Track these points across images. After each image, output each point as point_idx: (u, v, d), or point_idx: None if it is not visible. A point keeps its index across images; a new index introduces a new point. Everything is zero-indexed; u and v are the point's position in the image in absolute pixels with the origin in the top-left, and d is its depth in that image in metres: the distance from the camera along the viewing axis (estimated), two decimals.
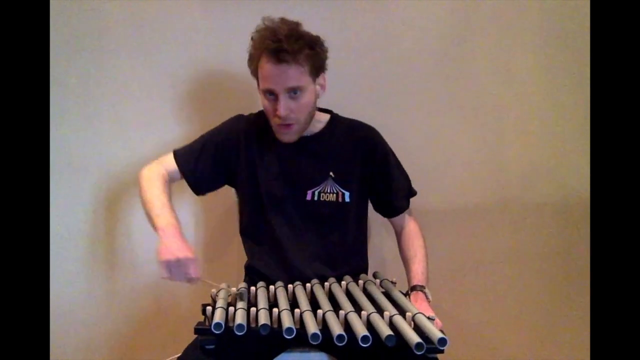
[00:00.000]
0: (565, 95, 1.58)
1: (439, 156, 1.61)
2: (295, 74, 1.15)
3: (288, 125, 1.21)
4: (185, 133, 1.56)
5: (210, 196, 1.34)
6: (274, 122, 1.22)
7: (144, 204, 1.21)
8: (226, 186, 1.36)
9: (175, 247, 1.08)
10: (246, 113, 1.37)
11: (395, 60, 1.57)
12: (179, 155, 1.30)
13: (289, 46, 1.12)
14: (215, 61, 1.54)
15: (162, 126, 1.56)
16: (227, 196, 1.42)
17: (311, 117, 1.25)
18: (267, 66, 1.16)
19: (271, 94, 1.19)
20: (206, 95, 1.56)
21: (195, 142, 1.32)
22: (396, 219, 1.37)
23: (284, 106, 1.17)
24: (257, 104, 1.52)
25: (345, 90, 1.46)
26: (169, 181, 1.27)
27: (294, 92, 1.17)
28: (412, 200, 1.38)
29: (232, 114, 1.40)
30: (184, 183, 1.30)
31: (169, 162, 1.29)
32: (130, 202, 1.58)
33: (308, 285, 1.21)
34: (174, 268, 1.07)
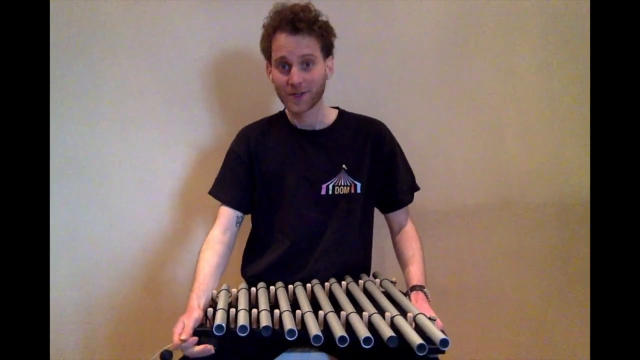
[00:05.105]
0: (565, 95, 1.58)
1: (439, 156, 1.61)
2: (309, 43, 1.20)
3: (300, 95, 1.22)
4: (185, 133, 1.56)
5: (211, 198, 1.33)
6: (286, 92, 1.24)
7: None
8: None
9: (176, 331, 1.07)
10: (246, 112, 1.37)
11: (394, 60, 1.57)
12: (215, 193, 1.33)
13: (304, 15, 1.19)
14: (216, 61, 1.54)
15: (162, 126, 1.56)
16: None
17: (321, 92, 1.27)
18: (282, 36, 1.20)
19: (284, 65, 1.21)
20: (206, 94, 1.56)
21: (220, 171, 1.35)
22: (395, 215, 1.37)
23: (298, 74, 1.20)
24: (257, 103, 1.52)
25: (345, 90, 1.46)
26: (232, 227, 1.29)
27: (306, 63, 1.20)
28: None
29: (232, 113, 1.39)
30: (179, 183, 1.30)
31: (219, 212, 1.31)
32: (130, 201, 1.58)
33: (308, 285, 1.21)
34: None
